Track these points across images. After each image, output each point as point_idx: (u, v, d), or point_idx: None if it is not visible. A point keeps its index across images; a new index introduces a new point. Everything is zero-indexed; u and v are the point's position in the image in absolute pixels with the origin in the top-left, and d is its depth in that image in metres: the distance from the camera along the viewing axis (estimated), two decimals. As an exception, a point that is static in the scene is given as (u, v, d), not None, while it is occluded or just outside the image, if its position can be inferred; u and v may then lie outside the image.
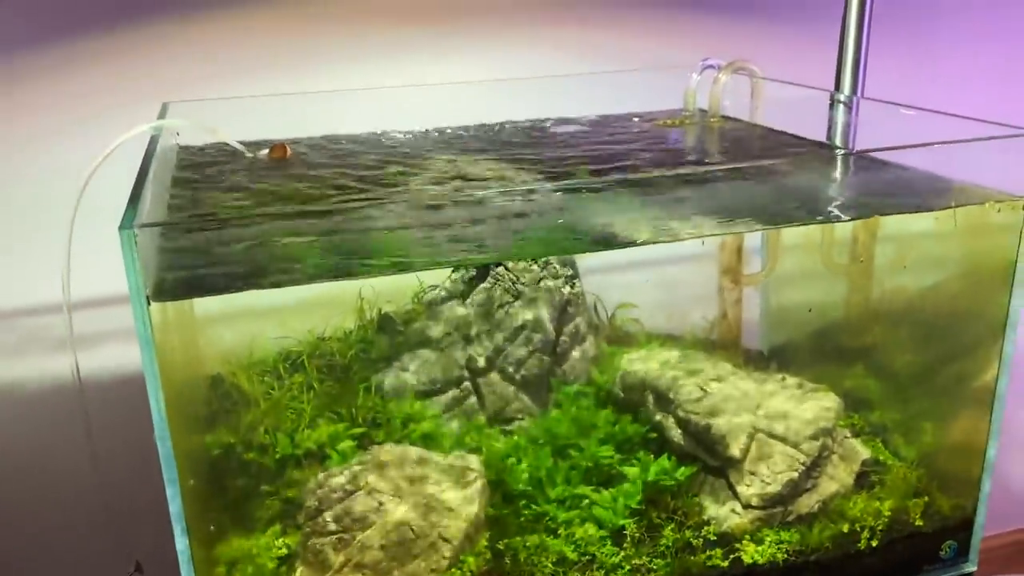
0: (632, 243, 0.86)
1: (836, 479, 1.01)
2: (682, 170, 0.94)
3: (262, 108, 1.31)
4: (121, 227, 0.67)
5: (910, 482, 1.03)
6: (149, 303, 0.69)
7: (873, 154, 1.01)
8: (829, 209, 0.93)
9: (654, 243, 0.86)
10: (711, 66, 1.41)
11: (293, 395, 1.07)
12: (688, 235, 0.87)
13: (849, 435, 1.05)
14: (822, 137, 1.24)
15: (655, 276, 1.15)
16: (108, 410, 1.16)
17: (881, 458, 1.06)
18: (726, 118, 1.37)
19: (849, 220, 0.94)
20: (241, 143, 1.18)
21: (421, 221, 0.83)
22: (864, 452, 1.04)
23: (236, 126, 1.22)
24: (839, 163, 1.00)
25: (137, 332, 0.70)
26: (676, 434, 1.00)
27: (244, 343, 1.10)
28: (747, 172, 0.92)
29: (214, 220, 0.74)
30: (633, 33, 1.56)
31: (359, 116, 1.35)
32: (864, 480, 1.03)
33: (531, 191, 0.85)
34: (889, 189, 0.97)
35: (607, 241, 0.86)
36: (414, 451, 0.96)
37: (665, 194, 0.89)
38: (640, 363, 1.05)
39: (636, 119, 1.42)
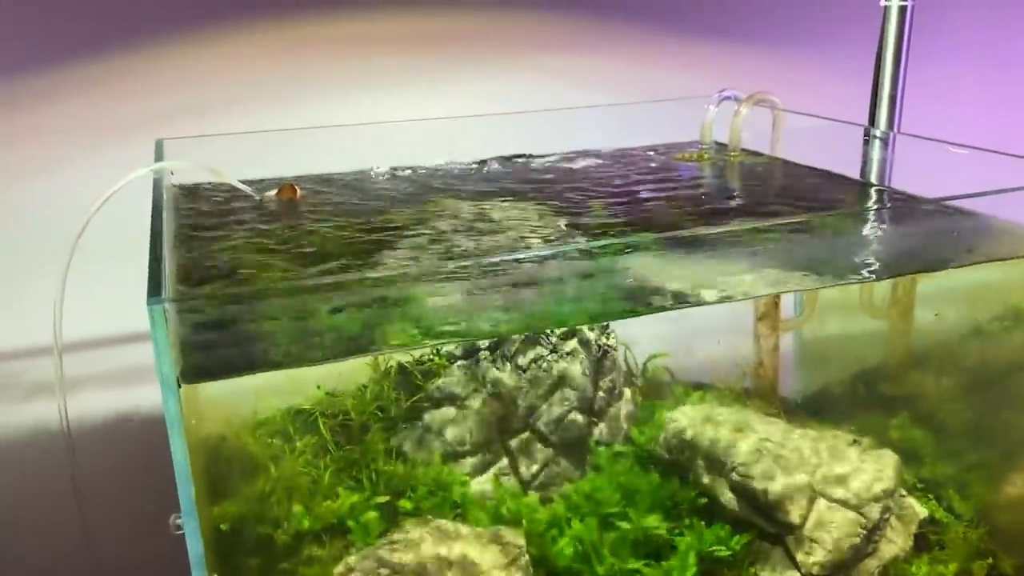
0: (696, 303, 0.79)
1: (895, 542, 0.95)
2: (745, 224, 0.87)
3: (260, 143, 1.23)
4: (150, 302, 0.58)
5: (971, 542, 0.97)
6: (180, 385, 0.61)
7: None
8: (892, 261, 0.87)
9: (720, 303, 0.79)
10: (728, 97, 1.36)
11: (307, 460, 0.98)
12: (751, 295, 0.80)
13: (904, 493, 0.99)
14: (856, 174, 1.19)
15: (683, 321, 1.09)
16: (96, 455, 1.09)
17: (937, 516, 1.00)
18: (747, 152, 1.31)
19: (923, 272, 0.88)
20: (244, 182, 1.10)
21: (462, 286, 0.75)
22: (921, 511, 0.98)
23: (235, 163, 1.14)
24: (899, 210, 0.94)
25: (166, 415, 0.62)
26: (729, 499, 0.93)
27: (247, 401, 1.02)
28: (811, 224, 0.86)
29: (253, 292, 0.66)
30: (643, 64, 1.51)
31: (362, 150, 1.27)
32: (923, 541, 0.97)
33: (588, 252, 0.77)
34: (944, 233, 0.91)
35: (663, 301, 0.79)
36: (448, 525, 0.88)
37: (716, 248, 0.83)
38: (684, 420, 0.98)
39: (652, 152, 1.36)
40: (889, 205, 0.98)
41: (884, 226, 0.89)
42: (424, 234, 0.92)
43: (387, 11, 1.36)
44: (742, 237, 0.83)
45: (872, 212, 0.92)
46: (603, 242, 0.83)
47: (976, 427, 1.04)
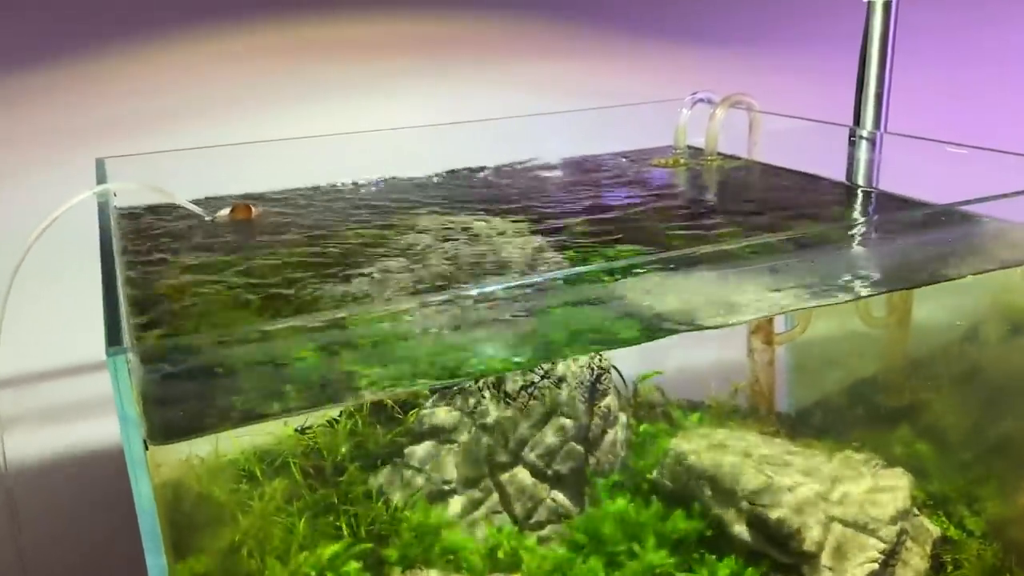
0: (699, 326, 0.73)
1: (911, 565, 0.90)
2: (761, 239, 0.80)
3: (207, 159, 1.14)
4: (110, 351, 0.49)
5: (987, 560, 0.92)
6: (147, 447, 0.52)
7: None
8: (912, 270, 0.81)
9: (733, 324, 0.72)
10: (702, 100, 1.31)
11: (278, 506, 0.90)
12: (771, 311, 0.74)
13: (917, 512, 0.94)
14: (841, 176, 1.15)
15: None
16: (34, 493, 0.99)
17: (950, 534, 0.95)
18: (724, 156, 1.26)
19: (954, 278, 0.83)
20: (193, 202, 1.01)
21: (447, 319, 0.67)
22: (934, 530, 0.93)
23: (182, 181, 1.05)
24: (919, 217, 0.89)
25: (132, 483, 0.53)
26: (740, 529, 0.87)
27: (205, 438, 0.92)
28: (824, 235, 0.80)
29: (227, 338, 0.57)
30: (612, 68, 1.45)
31: (319, 164, 1.19)
32: (939, 562, 0.92)
33: (607, 277, 0.70)
34: (955, 239, 0.86)
35: (665, 325, 0.72)
36: None
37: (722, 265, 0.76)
38: (687, 445, 0.92)
39: (625, 160, 1.30)
40: (900, 213, 0.92)
41: (895, 235, 0.83)
42: (394, 256, 0.84)
43: (336, 17, 1.28)
44: (751, 253, 0.76)
45: (883, 221, 0.86)
46: (593, 267, 0.76)
47: (983, 437, 1.00)
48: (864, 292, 0.83)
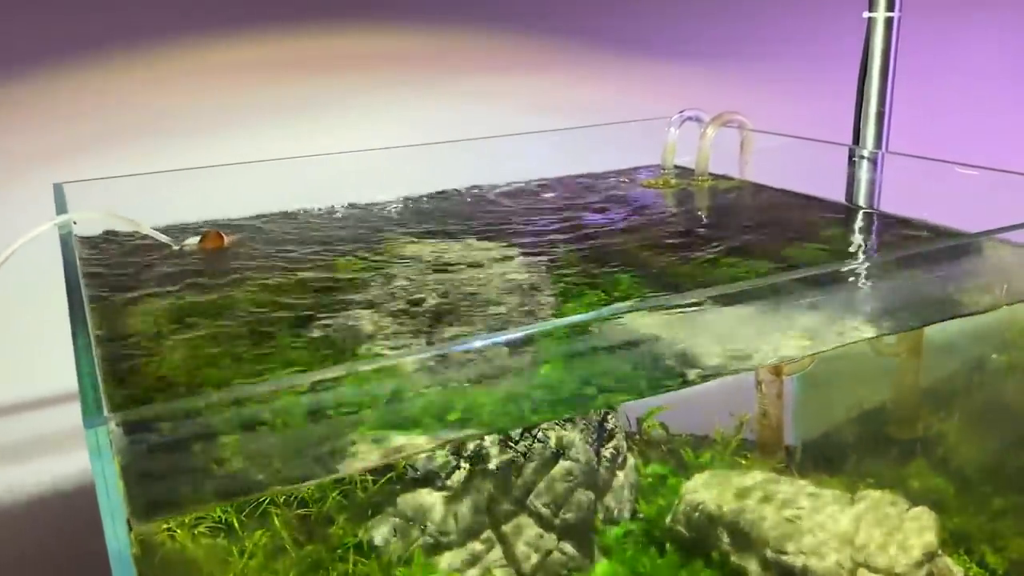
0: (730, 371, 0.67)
1: (937, 609, 0.85)
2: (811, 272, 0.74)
3: (172, 184, 1.06)
4: (88, 422, 0.42)
5: (1014, 603, 0.88)
6: (131, 528, 0.44)
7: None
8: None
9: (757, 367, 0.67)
10: (690, 118, 1.26)
11: (260, 563, 0.82)
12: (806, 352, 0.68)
13: (940, 553, 0.89)
14: (840, 196, 1.10)
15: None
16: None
17: (972, 574, 0.91)
18: (715, 176, 1.21)
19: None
20: (158, 230, 0.93)
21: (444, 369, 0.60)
22: (958, 571, 0.89)
23: (143, 207, 0.98)
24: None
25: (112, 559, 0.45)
26: (764, 579, 0.81)
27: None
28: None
29: (215, 403, 0.49)
30: (596, 85, 1.40)
31: (291, 187, 1.11)
32: (964, 605, 0.87)
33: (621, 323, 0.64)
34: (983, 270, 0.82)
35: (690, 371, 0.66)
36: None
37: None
38: (703, 490, 0.86)
39: (613, 178, 1.24)
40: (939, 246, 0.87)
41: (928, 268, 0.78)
42: (382, 292, 0.77)
43: (321, 30, 1.21)
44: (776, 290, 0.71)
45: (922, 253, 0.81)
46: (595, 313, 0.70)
47: (1002, 471, 0.95)
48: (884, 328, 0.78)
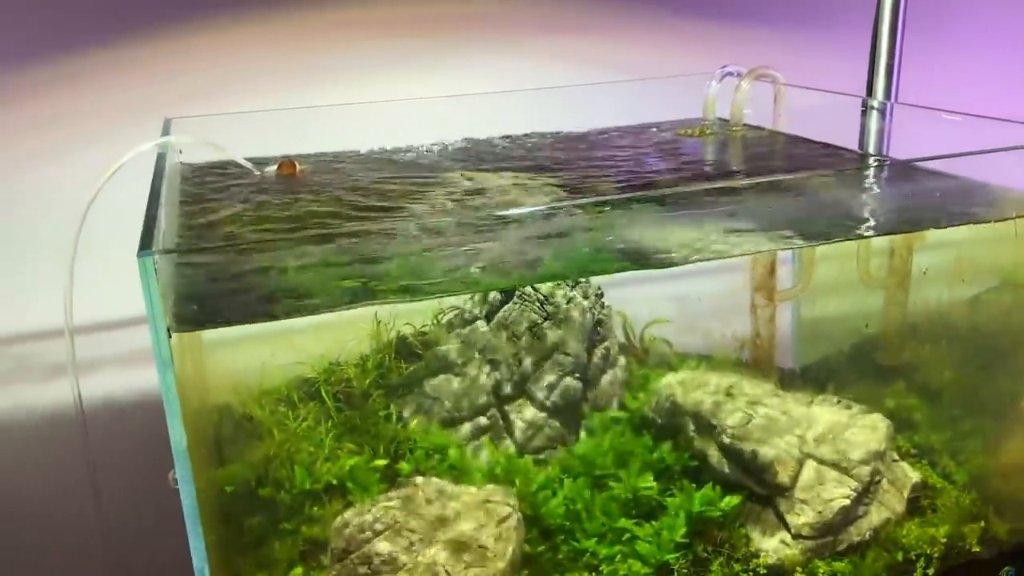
0: (671, 263, 0.81)
1: (887, 505, 0.96)
2: (720, 183, 0.88)
3: (266, 123, 1.26)
4: (140, 254, 0.61)
5: (964, 506, 0.98)
6: (170, 334, 0.63)
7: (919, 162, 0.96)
8: (875, 221, 0.88)
9: (698, 261, 0.80)
10: (731, 73, 1.37)
11: (310, 425, 1.01)
12: (732, 254, 0.81)
13: (897, 458, 1.00)
14: (855, 145, 1.20)
15: (680, 290, 1.10)
16: (110, 438, 1.11)
17: (931, 481, 1.01)
18: (749, 127, 1.32)
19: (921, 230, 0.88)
20: (248, 160, 1.12)
21: (445, 241, 0.77)
22: (914, 476, 0.99)
23: (241, 142, 1.17)
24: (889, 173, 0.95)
25: (156, 365, 0.64)
26: (720, 461, 0.95)
27: (254, 369, 1.04)
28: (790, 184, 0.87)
29: (236, 246, 0.68)
30: (644, 42, 1.52)
31: (368, 130, 1.29)
32: (916, 506, 0.98)
33: (601, 208, 0.79)
34: (940, 199, 0.92)
35: (644, 259, 0.81)
36: (444, 485, 0.90)
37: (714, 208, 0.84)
38: (678, 386, 1.00)
39: (654, 129, 1.37)
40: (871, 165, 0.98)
41: (871, 187, 0.90)
42: (425, 203, 0.94)
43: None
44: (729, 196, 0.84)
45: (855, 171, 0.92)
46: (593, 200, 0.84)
47: (973, 393, 1.04)
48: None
